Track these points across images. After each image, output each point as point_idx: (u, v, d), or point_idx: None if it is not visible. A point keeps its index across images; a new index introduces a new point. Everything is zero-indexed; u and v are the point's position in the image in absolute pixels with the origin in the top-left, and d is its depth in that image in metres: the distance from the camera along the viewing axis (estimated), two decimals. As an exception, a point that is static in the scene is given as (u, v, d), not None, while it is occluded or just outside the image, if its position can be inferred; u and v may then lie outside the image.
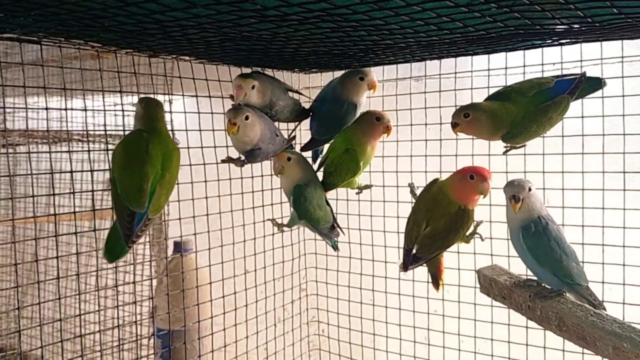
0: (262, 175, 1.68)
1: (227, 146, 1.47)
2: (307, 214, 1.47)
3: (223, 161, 1.43)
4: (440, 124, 1.52)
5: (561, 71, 1.38)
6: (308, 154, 1.60)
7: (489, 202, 1.38)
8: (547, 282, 1.22)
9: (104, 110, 1.33)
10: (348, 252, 1.78)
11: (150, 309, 1.54)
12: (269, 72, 1.57)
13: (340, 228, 1.58)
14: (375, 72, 1.51)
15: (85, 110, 1.30)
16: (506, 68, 1.44)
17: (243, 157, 1.40)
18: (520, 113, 1.27)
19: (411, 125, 1.61)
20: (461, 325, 1.60)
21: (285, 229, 1.55)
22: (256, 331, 1.71)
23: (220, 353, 1.59)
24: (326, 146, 1.59)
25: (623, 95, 1.31)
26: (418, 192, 1.44)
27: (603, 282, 1.35)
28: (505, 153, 1.40)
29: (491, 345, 1.54)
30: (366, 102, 1.55)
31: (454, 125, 1.31)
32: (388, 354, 1.77)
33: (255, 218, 1.65)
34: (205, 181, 1.49)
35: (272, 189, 1.71)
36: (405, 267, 1.38)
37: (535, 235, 1.20)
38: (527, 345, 1.46)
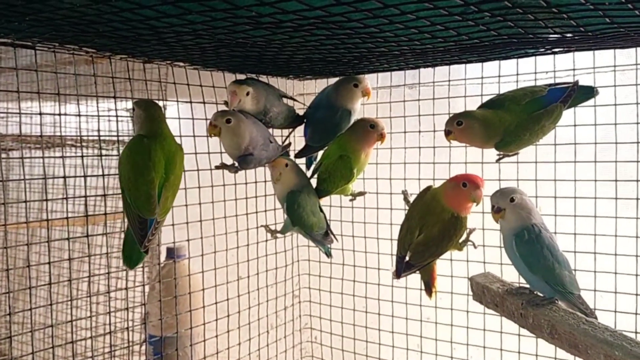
0: (255, 182, 1.68)
1: (221, 152, 1.47)
2: (301, 221, 1.46)
3: (217, 167, 1.43)
4: (434, 131, 1.53)
5: (554, 80, 1.39)
6: (301, 161, 1.60)
7: (482, 210, 1.39)
8: (539, 290, 1.22)
9: (98, 116, 1.33)
10: (341, 259, 1.78)
11: (143, 315, 1.53)
12: (263, 78, 1.57)
13: (334, 235, 1.58)
14: (370, 80, 1.52)
15: (79, 115, 1.30)
16: (499, 76, 1.44)
17: (237, 164, 1.40)
18: (514, 121, 1.27)
19: (405, 132, 1.61)
20: (454, 332, 1.60)
21: (278, 235, 1.55)
22: (249, 338, 1.70)
23: (212, 359, 1.58)
24: (320, 153, 1.60)
25: (615, 104, 1.32)
26: (411, 199, 1.44)
27: (595, 290, 1.35)
28: (498, 161, 1.41)
29: (484, 352, 1.54)
30: (360, 109, 1.56)
31: (447, 133, 1.32)
32: (381, 361, 1.77)
33: (248, 224, 1.65)
34: (199, 187, 1.49)
35: (265, 195, 1.70)
36: (398, 274, 1.38)
37: (527, 242, 1.20)
38: (519, 352, 1.46)
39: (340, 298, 1.82)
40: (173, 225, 1.45)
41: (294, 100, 1.62)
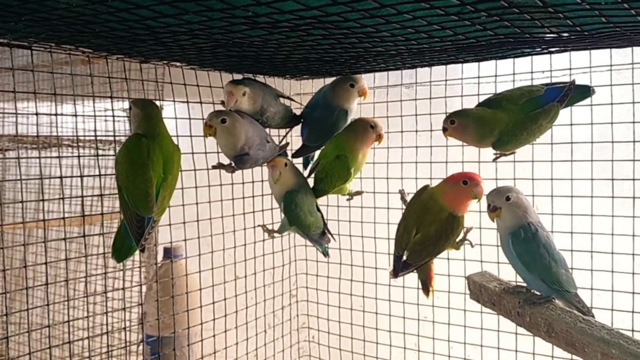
0: (252, 182, 1.67)
1: (217, 152, 1.47)
2: (298, 220, 1.46)
3: (214, 167, 1.43)
4: (431, 130, 1.53)
5: (550, 79, 1.40)
6: (298, 161, 1.60)
7: (479, 209, 1.39)
8: (536, 289, 1.23)
9: (94, 116, 1.33)
10: (338, 259, 1.78)
11: (140, 315, 1.53)
12: (260, 78, 1.57)
13: (331, 234, 1.58)
14: (366, 79, 1.52)
15: (76, 115, 1.29)
16: (496, 76, 1.45)
17: (233, 163, 1.40)
18: (511, 120, 1.28)
19: (402, 132, 1.61)
20: (451, 331, 1.60)
21: (275, 235, 1.55)
22: (246, 337, 1.70)
23: (210, 359, 1.58)
24: (317, 152, 1.60)
25: (612, 103, 1.32)
26: (408, 198, 1.44)
27: (592, 289, 1.35)
28: (495, 160, 1.41)
29: (481, 351, 1.54)
30: (357, 108, 1.56)
31: (444, 130, 1.33)
32: (378, 360, 1.77)
33: (245, 224, 1.65)
34: (196, 187, 1.49)
35: (262, 195, 1.70)
36: (395, 273, 1.38)
37: (524, 241, 1.20)
38: (516, 351, 1.46)
39: (337, 297, 1.82)
40: (170, 225, 1.45)
41: (291, 100, 1.62)
